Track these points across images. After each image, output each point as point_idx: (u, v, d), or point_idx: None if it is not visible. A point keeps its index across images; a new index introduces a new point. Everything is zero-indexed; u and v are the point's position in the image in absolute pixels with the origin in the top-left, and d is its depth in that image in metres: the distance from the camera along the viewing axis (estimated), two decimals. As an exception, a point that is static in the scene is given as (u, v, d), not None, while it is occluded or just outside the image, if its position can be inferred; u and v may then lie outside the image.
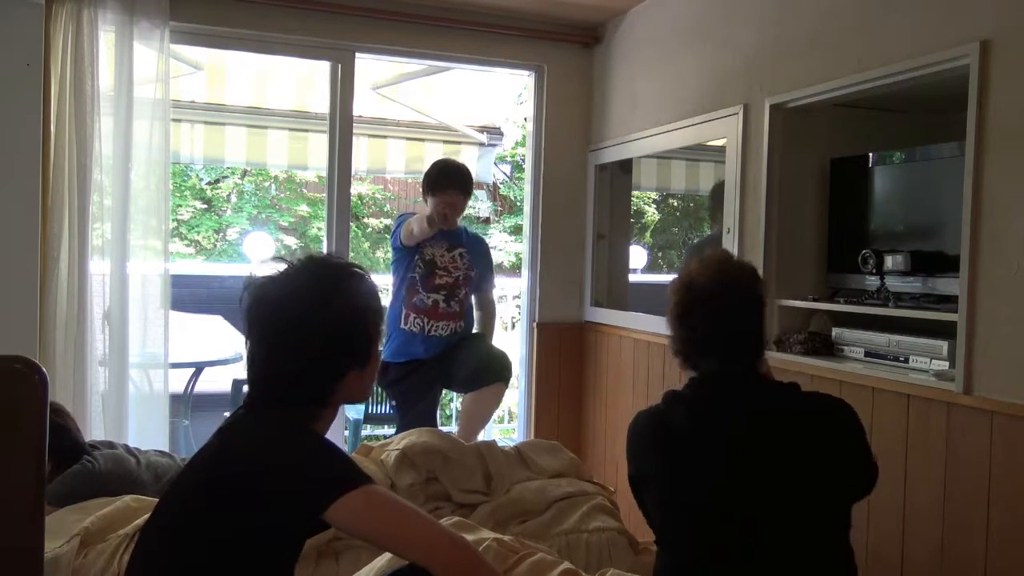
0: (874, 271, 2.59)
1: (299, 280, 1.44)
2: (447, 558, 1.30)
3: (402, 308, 3.35)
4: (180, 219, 9.61)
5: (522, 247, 4.41)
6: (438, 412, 3.54)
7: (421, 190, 3.46)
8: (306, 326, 1.41)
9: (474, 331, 3.51)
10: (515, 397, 4.86)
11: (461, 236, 3.44)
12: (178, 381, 4.47)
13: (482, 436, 3.40)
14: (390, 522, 1.32)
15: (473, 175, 5.62)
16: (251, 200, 10.26)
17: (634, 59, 3.83)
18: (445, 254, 3.36)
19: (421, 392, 3.37)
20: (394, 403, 3.52)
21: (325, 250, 3.89)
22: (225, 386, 4.94)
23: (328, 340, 1.42)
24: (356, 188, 9.10)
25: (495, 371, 3.26)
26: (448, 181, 3.32)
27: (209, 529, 1.33)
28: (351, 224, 4.09)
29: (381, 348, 1.54)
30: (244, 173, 10.05)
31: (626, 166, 4.20)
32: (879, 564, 2.43)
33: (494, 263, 3.67)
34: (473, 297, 3.49)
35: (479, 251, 3.49)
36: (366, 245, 9.72)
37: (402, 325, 3.34)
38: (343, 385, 1.45)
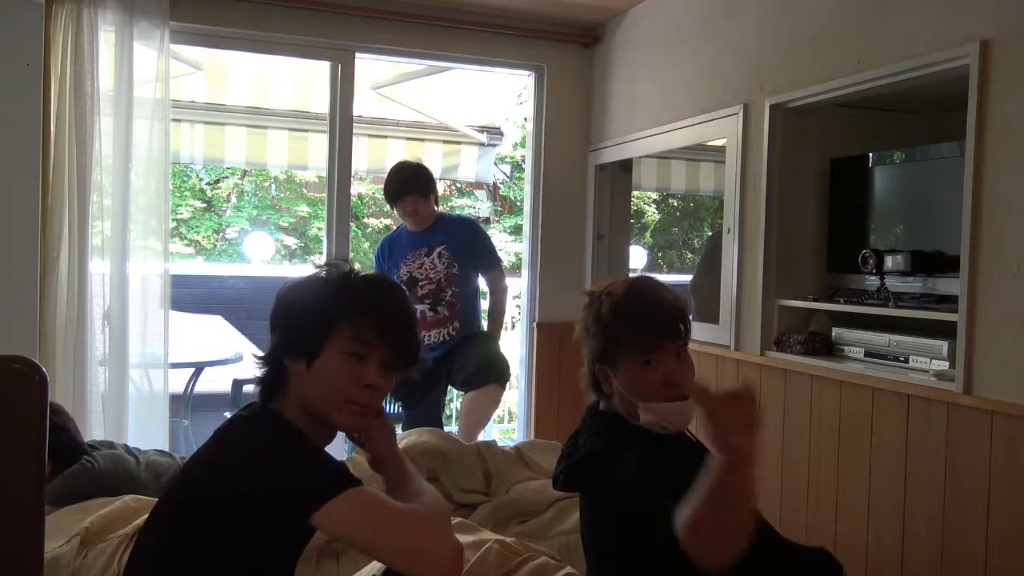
0: (874, 271, 2.59)
1: (285, 284, 1.48)
2: (429, 572, 1.28)
3: None
4: (180, 219, 9.61)
5: (522, 247, 4.41)
6: (442, 413, 3.54)
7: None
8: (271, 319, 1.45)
9: (484, 326, 3.52)
10: (515, 397, 4.85)
11: (439, 232, 3.41)
12: (178, 381, 4.47)
13: (482, 436, 3.40)
14: (377, 529, 1.28)
15: (474, 175, 5.64)
16: (251, 200, 10.26)
17: (634, 59, 3.83)
18: (425, 260, 3.37)
19: (423, 388, 3.39)
20: (397, 398, 3.58)
21: (325, 250, 3.90)
22: (225, 386, 4.93)
23: (272, 326, 1.44)
24: (356, 188, 9.10)
25: (492, 373, 3.26)
26: (401, 189, 3.35)
27: (205, 529, 1.33)
28: (351, 224, 4.10)
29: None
30: (244, 173, 10.05)
31: (626, 166, 4.20)
32: (879, 564, 2.43)
33: (492, 244, 3.60)
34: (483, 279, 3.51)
35: (463, 238, 3.44)
36: (366, 245, 9.71)
37: None
38: (288, 378, 1.41)
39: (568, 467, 1.61)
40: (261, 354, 1.46)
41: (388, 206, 3.49)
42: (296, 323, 1.40)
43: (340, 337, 1.37)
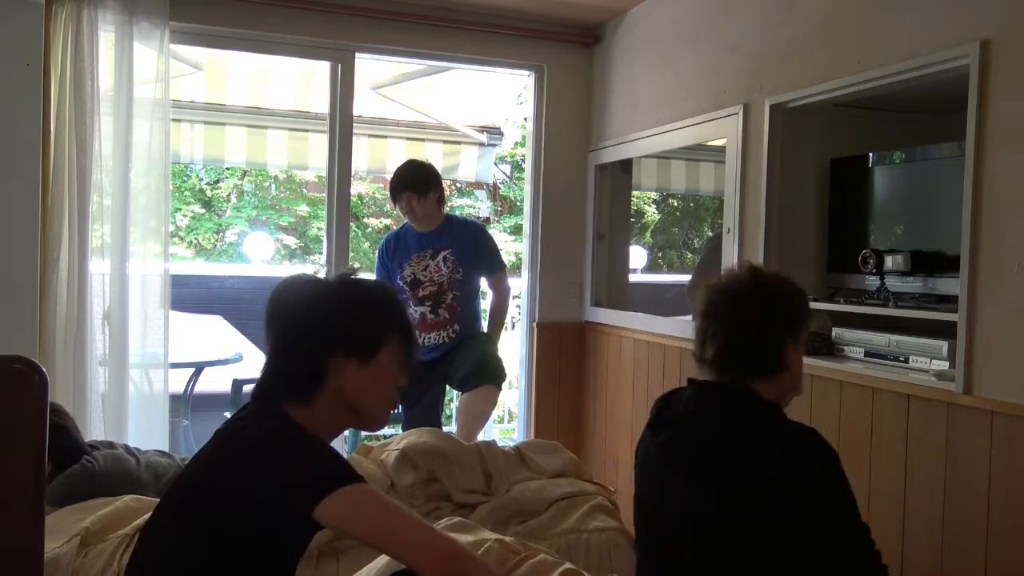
0: (874, 271, 2.59)
1: (303, 283, 1.49)
2: (436, 561, 1.29)
3: None
4: (178, 224, 9.61)
5: (522, 247, 4.42)
6: (441, 413, 3.55)
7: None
8: (290, 322, 1.45)
9: (484, 328, 3.53)
10: (515, 397, 4.86)
11: (445, 235, 3.43)
12: (178, 381, 4.47)
13: (482, 436, 3.40)
14: (378, 522, 1.30)
15: (473, 175, 5.65)
16: (251, 201, 10.26)
17: (634, 59, 3.83)
18: (430, 263, 3.38)
19: (421, 390, 3.40)
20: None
21: (325, 250, 3.91)
22: (225, 386, 4.93)
23: (303, 331, 1.44)
24: (356, 188, 9.10)
25: (486, 374, 3.27)
26: (399, 186, 3.39)
27: (206, 529, 1.33)
28: (351, 224, 4.10)
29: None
30: (244, 173, 10.05)
31: (626, 166, 4.20)
32: (879, 564, 2.43)
33: (498, 248, 3.62)
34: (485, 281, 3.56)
35: (468, 242, 3.46)
36: (366, 245, 9.71)
37: None
38: (332, 377, 1.42)
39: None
40: (294, 349, 1.44)
41: (390, 204, 3.53)
42: (359, 320, 1.46)
43: (395, 343, 1.48)
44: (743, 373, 1.64)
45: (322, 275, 1.53)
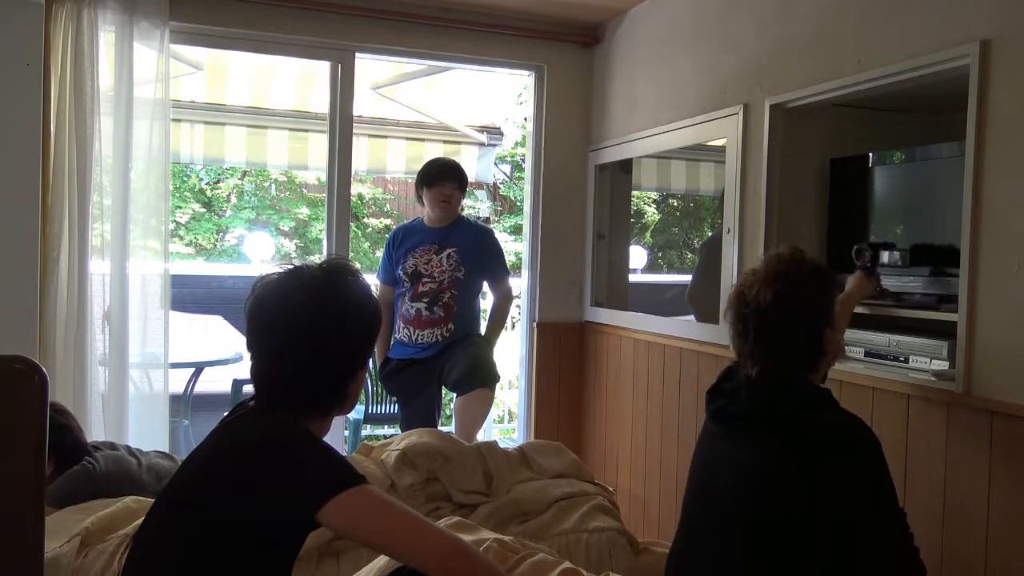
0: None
1: (300, 283, 1.47)
2: (442, 562, 1.29)
3: (396, 318, 3.45)
4: (178, 222, 9.61)
5: (522, 247, 4.42)
6: (440, 413, 3.55)
7: (415, 190, 3.53)
8: (310, 331, 1.43)
9: (481, 330, 3.53)
10: (515, 397, 4.86)
11: (454, 233, 3.44)
12: (178, 381, 4.47)
13: (482, 436, 3.40)
14: (383, 524, 1.31)
15: (474, 175, 5.67)
16: (251, 201, 10.26)
17: (634, 59, 3.83)
18: (433, 258, 3.39)
19: (416, 388, 3.42)
20: (394, 397, 3.65)
21: (325, 250, 3.91)
22: (225, 386, 4.94)
23: (333, 345, 1.44)
24: (356, 188, 9.10)
25: (478, 377, 3.26)
26: (443, 174, 3.43)
27: (204, 527, 1.33)
28: (351, 224, 4.10)
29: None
30: (244, 173, 10.05)
31: (626, 166, 4.20)
32: (879, 564, 2.43)
33: (503, 253, 3.64)
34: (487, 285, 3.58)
35: (474, 242, 3.48)
36: (366, 245, 9.71)
37: (396, 334, 3.46)
38: (349, 388, 1.48)
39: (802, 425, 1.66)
40: (324, 369, 1.45)
41: (416, 193, 3.53)
42: (374, 337, 1.55)
43: None
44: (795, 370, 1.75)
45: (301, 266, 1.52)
